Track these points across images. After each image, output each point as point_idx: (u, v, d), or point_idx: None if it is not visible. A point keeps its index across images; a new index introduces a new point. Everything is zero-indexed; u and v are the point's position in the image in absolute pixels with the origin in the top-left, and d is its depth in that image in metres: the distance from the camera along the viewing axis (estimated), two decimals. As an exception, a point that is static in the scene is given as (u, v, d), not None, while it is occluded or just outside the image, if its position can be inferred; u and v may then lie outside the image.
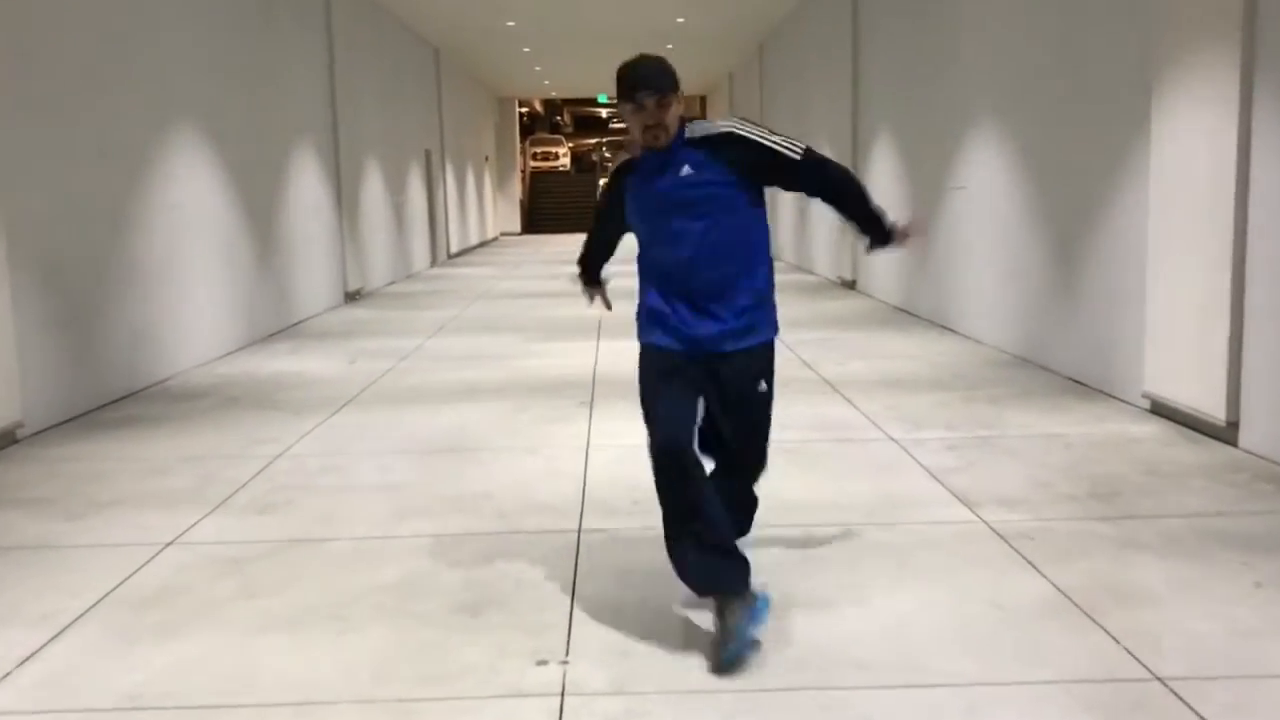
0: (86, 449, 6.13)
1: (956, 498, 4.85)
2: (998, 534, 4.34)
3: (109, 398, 7.45)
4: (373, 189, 15.79)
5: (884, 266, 12.81)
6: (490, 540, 4.38)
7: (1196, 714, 2.86)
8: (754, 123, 3.53)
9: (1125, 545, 4.18)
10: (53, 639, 3.49)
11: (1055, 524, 4.46)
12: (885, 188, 12.78)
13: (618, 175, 3.65)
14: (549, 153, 45.64)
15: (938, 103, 10.68)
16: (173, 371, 8.48)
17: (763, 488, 3.95)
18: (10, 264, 6.25)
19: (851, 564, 4.06)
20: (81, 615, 3.67)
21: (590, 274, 4.09)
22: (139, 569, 4.12)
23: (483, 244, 28.28)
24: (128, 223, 7.88)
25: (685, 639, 3.38)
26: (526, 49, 22.95)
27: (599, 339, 10.17)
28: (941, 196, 10.57)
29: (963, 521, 4.53)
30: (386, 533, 4.53)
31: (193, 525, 4.67)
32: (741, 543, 3.52)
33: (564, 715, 2.92)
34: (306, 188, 12.53)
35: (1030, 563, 4.01)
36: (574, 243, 29.07)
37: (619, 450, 5.79)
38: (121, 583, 3.97)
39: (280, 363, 9.12)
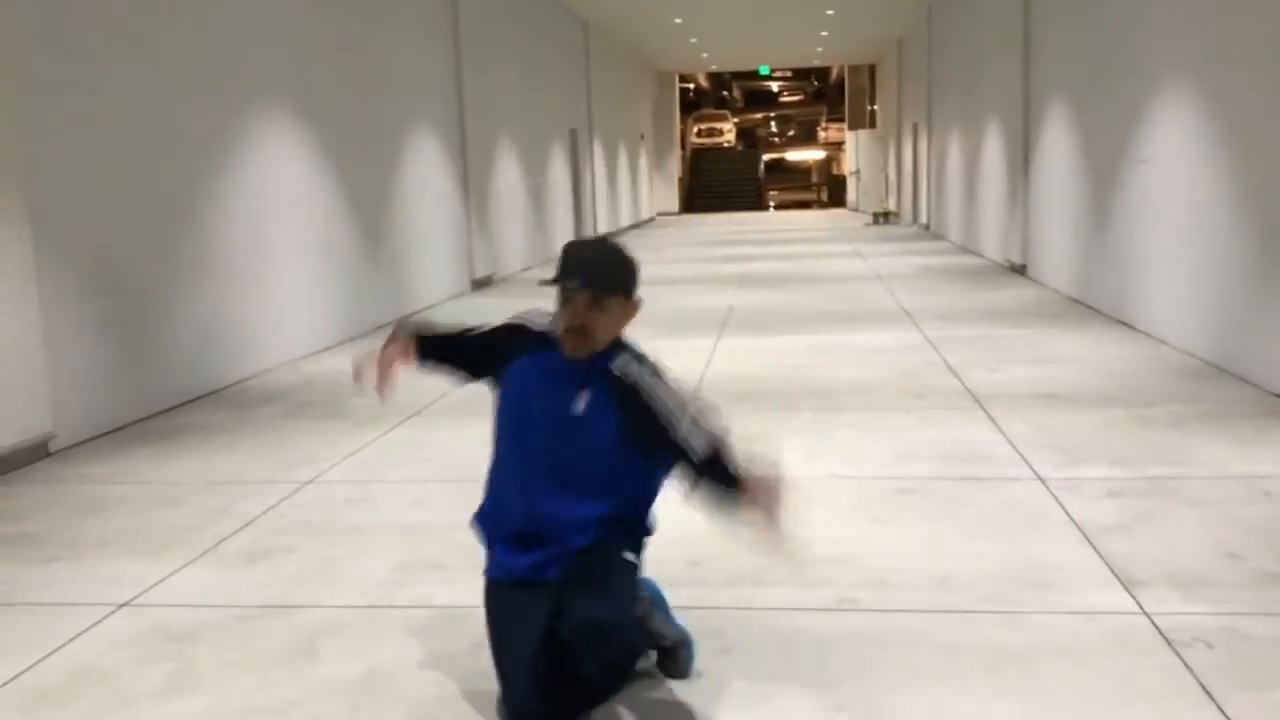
0: (112, 468, 5.52)
1: (1114, 573, 3.69)
2: (1165, 638, 3.19)
3: (172, 401, 6.88)
4: (506, 171, 15.12)
5: (1058, 250, 11.36)
6: (495, 617, 3.47)
7: None
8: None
9: (1352, 666, 2.99)
10: (-103, 756, 2.77)
11: (1247, 622, 3.28)
12: (1059, 162, 11.33)
13: (518, 337, 2.89)
14: (714, 129, 44.59)
15: (1119, 63, 9.22)
16: (255, 370, 7.90)
17: (853, 542, 3.43)
18: (40, 263, 5.69)
19: (951, 676, 2.99)
20: (-43, 716, 2.94)
21: (422, 348, 3.00)
22: (65, 644, 3.38)
23: (635, 225, 27.49)
24: (196, 214, 7.29)
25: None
26: (678, 20, 21.96)
27: (720, 336, 9.17)
28: (1123, 170, 9.13)
29: (1119, 613, 3.38)
30: (378, 601, 3.68)
31: (163, 579, 3.92)
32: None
33: None
34: (425, 171, 11.89)
35: (1207, 691, 2.87)
36: (734, 223, 28.76)
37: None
38: (34, 664, 3.24)
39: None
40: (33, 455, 5.60)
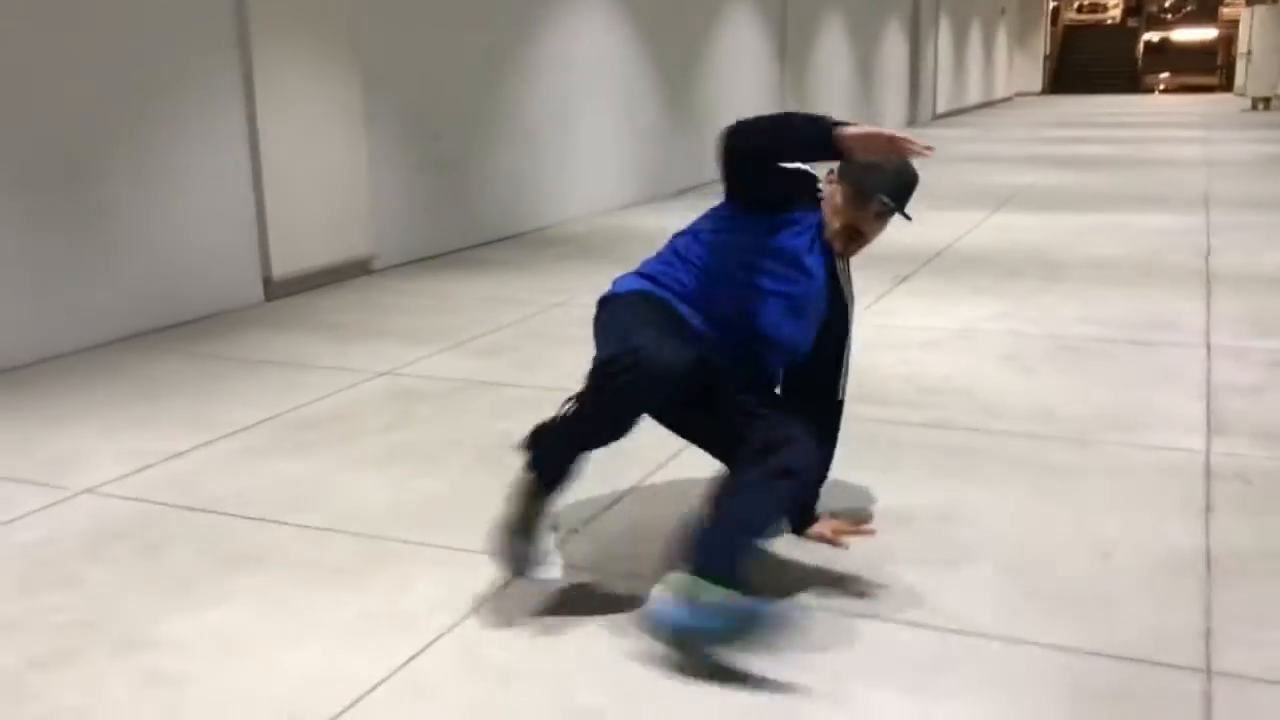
0: (415, 285, 6.77)
1: (1208, 423, 3.97)
2: (1209, 473, 3.51)
3: (481, 239, 8.13)
4: (830, 42, 15.42)
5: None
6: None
7: (1216, 729, 2.20)
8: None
9: (1371, 508, 3.22)
10: (204, 444, 3.98)
11: (1304, 470, 3.53)
12: None
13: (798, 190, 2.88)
14: (1098, 3, 41.71)
15: None
16: (554, 221, 9.04)
17: (987, 382, 4.10)
18: (368, 114, 6.95)
19: (991, 480, 3.50)
20: (244, 429, 4.14)
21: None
22: (332, 394, 4.54)
23: (988, 104, 26.69)
24: (508, 78, 8.39)
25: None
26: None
27: (994, 212, 9.34)
28: None
29: (1182, 450, 3.71)
30: (562, 385, 4.59)
31: (416, 360, 5.04)
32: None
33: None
34: (738, 41, 12.52)
35: (1210, 509, 3.22)
36: (1098, 105, 27.21)
37: (910, 333, 5.36)
38: (306, 404, 4.41)
39: (663, 220, 9.36)
40: (357, 270, 6.96)
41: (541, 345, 5.27)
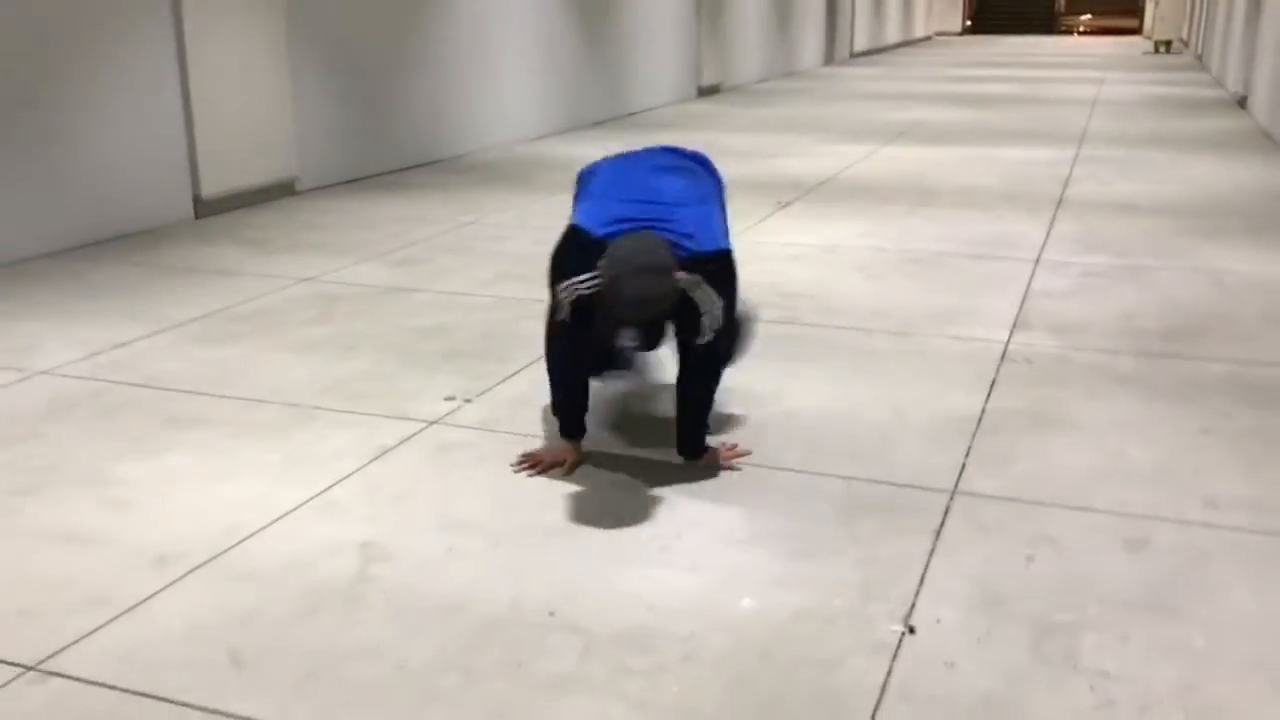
0: (337, 205, 7.28)
1: (1014, 320, 4.67)
2: (1002, 358, 4.21)
3: (402, 164, 8.62)
4: (748, -18, 15.89)
5: (1268, 82, 11.23)
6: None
7: (935, 526, 2.88)
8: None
9: (1122, 382, 3.93)
10: (144, 336, 4.51)
11: (1076, 354, 4.23)
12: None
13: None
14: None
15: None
16: (473, 148, 9.54)
17: (835, 288, 4.48)
18: (290, 43, 7.39)
19: (809, 360, 4.16)
20: (180, 324, 4.67)
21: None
22: (260, 296, 5.09)
23: (906, 43, 27.36)
24: (427, 8, 8.84)
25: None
26: None
27: (884, 145, 10.01)
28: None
29: (984, 340, 4.40)
30: (467, 290, 5.18)
31: (338, 269, 5.58)
32: None
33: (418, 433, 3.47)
34: (657, -20, 12.98)
35: (989, 385, 3.91)
36: (1010, 46, 27.85)
37: (770, 248, 5.98)
38: (238, 304, 4.95)
39: (574, 148, 9.90)
40: (281, 192, 7.44)
41: (452, 258, 5.83)
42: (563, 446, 3.27)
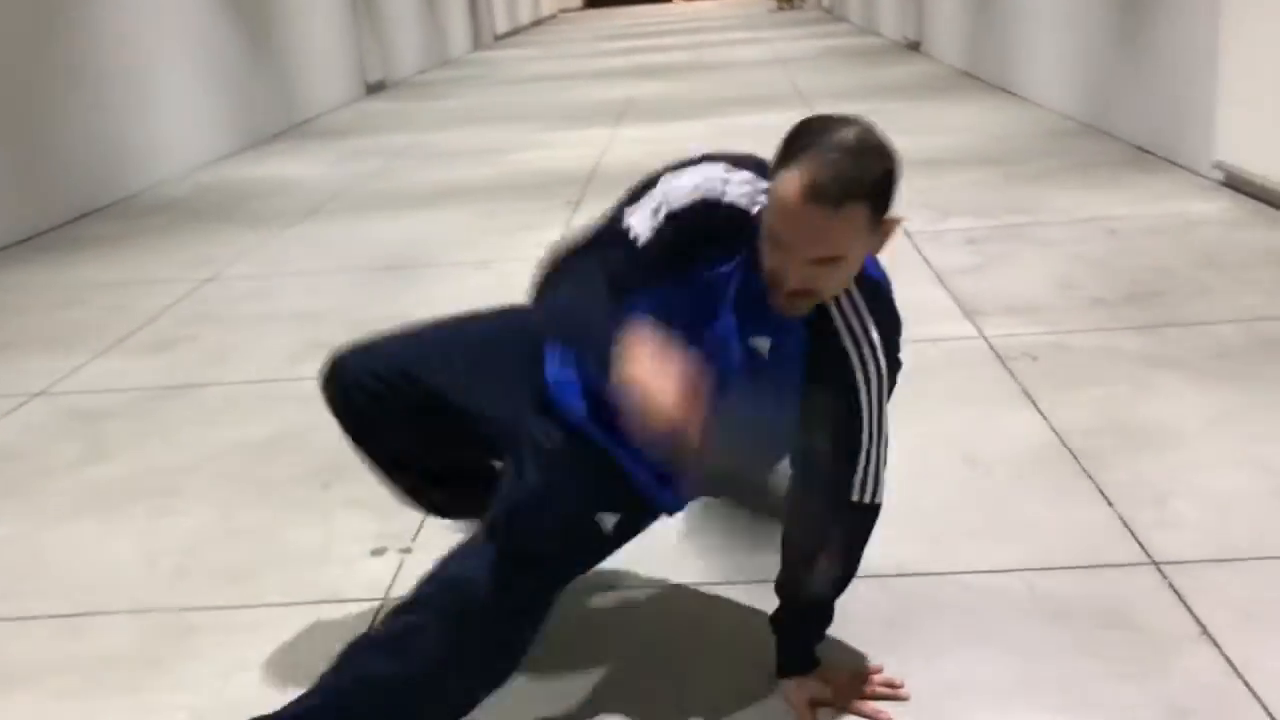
0: (8, 279, 5.59)
1: (960, 307, 4.03)
2: (997, 355, 3.54)
3: (68, 216, 6.86)
4: (394, -32, 14.66)
5: (949, 24, 11.47)
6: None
7: (1193, 616, 2.13)
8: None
9: (1155, 364, 3.36)
10: None
11: (1072, 338, 3.64)
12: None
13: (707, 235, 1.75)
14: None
15: None
16: (146, 184, 7.85)
17: None
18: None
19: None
20: (-117, 495, 3.14)
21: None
22: (-18, 430, 3.58)
23: (536, 23, 26.85)
24: (62, 35, 7.10)
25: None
26: None
27: (617, 126, 9.26)
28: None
29: (959, 338, 3.72)
30: (276, 375, 3.90)
31: (74, 370, 4.09)
32: None
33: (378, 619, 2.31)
34: (308, -30, 11.53)
35: (1027, 393, 3.23)
36: (638, 17, 27.99)
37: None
38: (-48, 449, 3.44)
39: (266, 168, 8.44)
40: (-72, 272, 5.64)
41: (219, 332, 4.46)
42: None
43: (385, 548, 2.63)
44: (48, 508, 2.99)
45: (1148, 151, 6.35)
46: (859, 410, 1.74)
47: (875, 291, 1.77)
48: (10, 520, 2.93)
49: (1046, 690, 1.95)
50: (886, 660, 2.04)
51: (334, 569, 2.57)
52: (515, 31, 23.16)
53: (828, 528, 1.82)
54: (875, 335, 1.72)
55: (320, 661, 1.84)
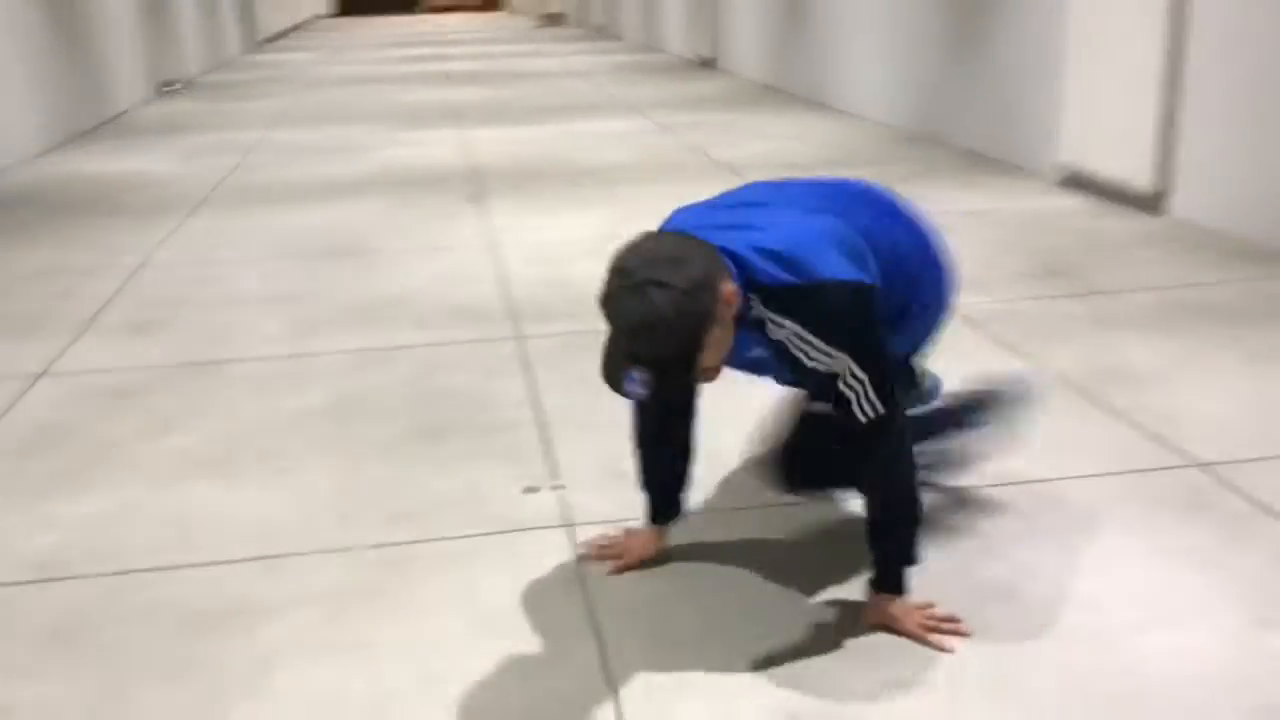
0: (-99, 268, 5.24)
1: (910, 281, 4.55)
2: (971, 319, 4.08)
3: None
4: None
5: (749, 40, 12.23)
6: (422, 354, 3.87)
7: (1252, 500, 2.68)
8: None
9: (1105, 324, 3.98)
10: (-76, 501, 2.87)
11: (1022, 305, 4.23)
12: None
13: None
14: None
15: None
16: (-18, 175, 7.40)
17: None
18: None
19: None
20: (-48, 469, 3.05)
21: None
22: (7, 409, 3.47)
23: (295, 28, 26.21)
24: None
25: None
26: None
27: (463, 127, 9.41)
28: (817, -36, 10.00)
29: (927, 307, 4.24)
30: (297, 350, 3.96)
31: (61, 353, 3.98)
32: None
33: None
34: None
35: (1011, 348, 3.76)
36: (398, 26, 27.45)
37: (531, 247, 5.28)
38: (-9, 426, 3.34)
39: (105, 163, 8.09)
40: None
41: (197, 310, 4.42)
42: (643, 535, 2.49)
43: (538, 486, 2.84)
44: (156, 473, 3.00)
45: (982, 155, 7.17)
46: (807, 368, 2.08)
47: (780, 295, 2.07)
48: (121, 486, 2.93)
49: (1172, 557, 2.44)
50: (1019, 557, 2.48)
51: (498, 506, 2.76)
52: (279, 35, 22.56)
53: (862, 456, 2.16)
54: (790, 321, 2.05)
55: (555, 577, 2.08)
